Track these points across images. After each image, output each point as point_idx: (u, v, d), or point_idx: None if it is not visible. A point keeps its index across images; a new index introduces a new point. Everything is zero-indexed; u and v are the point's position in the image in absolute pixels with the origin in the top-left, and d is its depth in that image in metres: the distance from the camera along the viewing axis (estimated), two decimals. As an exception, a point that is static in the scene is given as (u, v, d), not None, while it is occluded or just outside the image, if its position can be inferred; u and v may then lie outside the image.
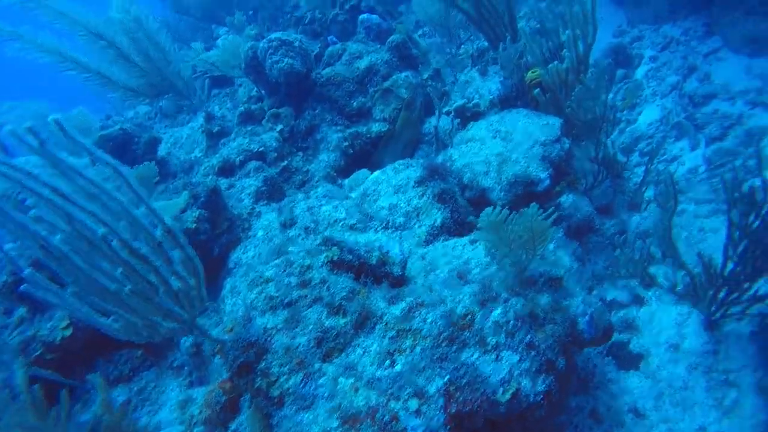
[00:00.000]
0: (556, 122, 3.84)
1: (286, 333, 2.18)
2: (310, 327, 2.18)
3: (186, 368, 3.44)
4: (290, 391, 2.02)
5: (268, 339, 2.15)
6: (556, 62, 4.04)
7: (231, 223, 4.25)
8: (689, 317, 3.03)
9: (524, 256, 2.44)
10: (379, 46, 5.70)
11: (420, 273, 2.79)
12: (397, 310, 2.21)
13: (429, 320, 2.16)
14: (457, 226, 3.31)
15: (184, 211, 4.03)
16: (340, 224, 3.26)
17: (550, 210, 2.54)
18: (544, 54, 4.33)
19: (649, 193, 5.06)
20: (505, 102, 4.47)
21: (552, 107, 4.05)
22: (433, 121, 5.33)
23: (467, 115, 4.35)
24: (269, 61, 5.02)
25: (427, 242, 3.14)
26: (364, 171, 4.40)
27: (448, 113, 4.55)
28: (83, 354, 3.34)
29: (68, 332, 3.16)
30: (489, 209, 2.51)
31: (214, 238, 4.11)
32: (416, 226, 3.23)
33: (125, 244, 1.75)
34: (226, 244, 4.18)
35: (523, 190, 3.53)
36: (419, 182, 3.45)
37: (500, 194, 3.54)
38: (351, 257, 2.53)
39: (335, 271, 2.44)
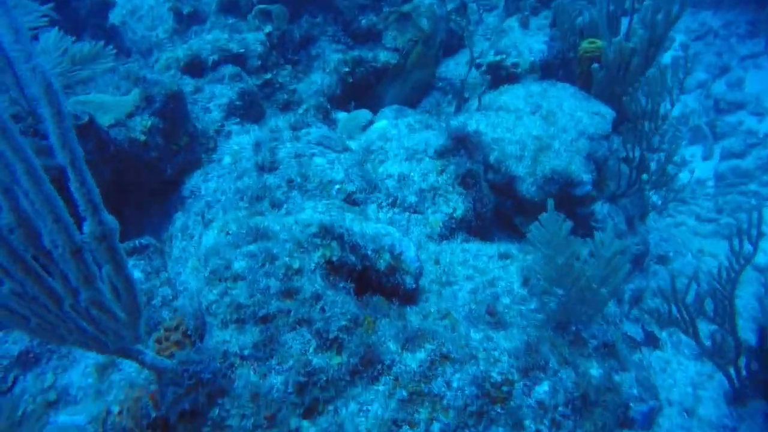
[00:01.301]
0: (608, 114, 3.18)
1: (255, 365, 1.53)
2: (291, 362, 1.55)
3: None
4: (250, 458, 1.42)
5: (229, 372, 1.50)
6: (620, 38, 3.32)
7: (192, 139, 3.40)
8: (710, 380, 2.66)
9: (580, 307, 1.87)
10: (406, -45, 4.66)
11: (433, 284, 2.17)
12: (413, 361, 1.60)
13: (455, 385, 1.58)
14: (478, 221, 2.68)
15: (131, 115, 3.13)
16: (336, 188, 2.54)
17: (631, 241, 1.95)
18: (606, 22, 3.57)
19: (653, 198, 4.61)
20: (547, 68, 3.73)
21: (604, 89, 3.37)
22: (450, 64, 4.51)
23: (501, 75, 3.59)
24: (271, -60, 3.93)
25: (442, 237, 2.51)
26: (365, 112, 3.61)
27: (477, 66, 3.76)
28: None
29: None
30: (549, 216, 1.89)
31: (169, 155, 3.28)
32: (430, 211, 2.58)
33: (23, 222, 1.00)
34: (182, 164, 3.36)
35: (559, 190, 2.92)
36: (441, 153, 2.75)
37: (531, 188, 2.91)
38: (354, 259, 1.87)
39: (332, 279, 1.78)
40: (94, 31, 4.72)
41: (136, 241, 2.89)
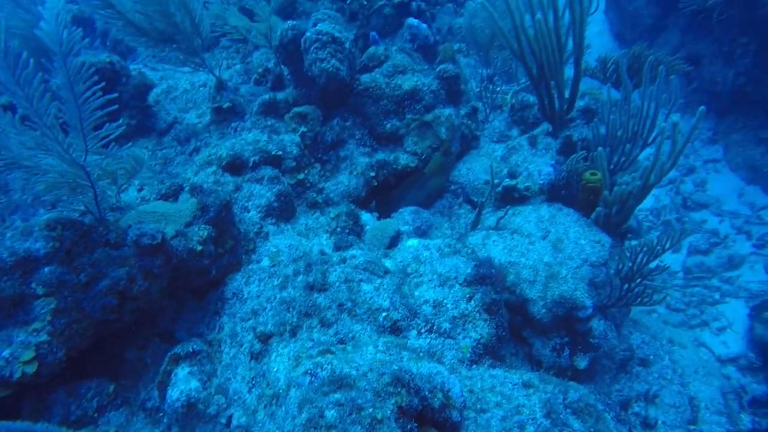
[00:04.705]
0: (606, 242, 3.72)
1: None
2: (377, 505, 1.92)
3: (165, 420, 3.02)
4: None
5: None
6: (624, 185, 3.85)
7: (236, 242, 3.76)
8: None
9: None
10: (427, 66, 5.22)
11: (470, 411, 2.58)
12: (474, 504, 2.00)
13: None
14: (499, 343, 3.12)
15: (189, 224, 3.48)
16: (383, 315, 2.94)
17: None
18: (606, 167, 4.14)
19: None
20: (552, 191, 4.27)
21: (603, 221, 3.92)
22: (462, 168, 5.03)
23: (514, 196, 4.11)
24: (312, 55, 4.41)
25: (472, 362, 2.93)
26: (392, 223, 4.06)
27: (487, 182, 4.27)
28: (43, 386, 2.80)
29: (31, 369, 2.59)
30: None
31: (216, 259, 3.62)
32: (461, 336, 3.01)
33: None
34: (226, 266, 3.70)
35: (565, 313, 3.40)
36: (469, 282, 3.20)
37: (542, 311, 3.39)
38: (416, 401, 2.27)
39: (401, 422, 2.17)
40: (132, 112, 5.08)
41: (189, 346, 3.16)
